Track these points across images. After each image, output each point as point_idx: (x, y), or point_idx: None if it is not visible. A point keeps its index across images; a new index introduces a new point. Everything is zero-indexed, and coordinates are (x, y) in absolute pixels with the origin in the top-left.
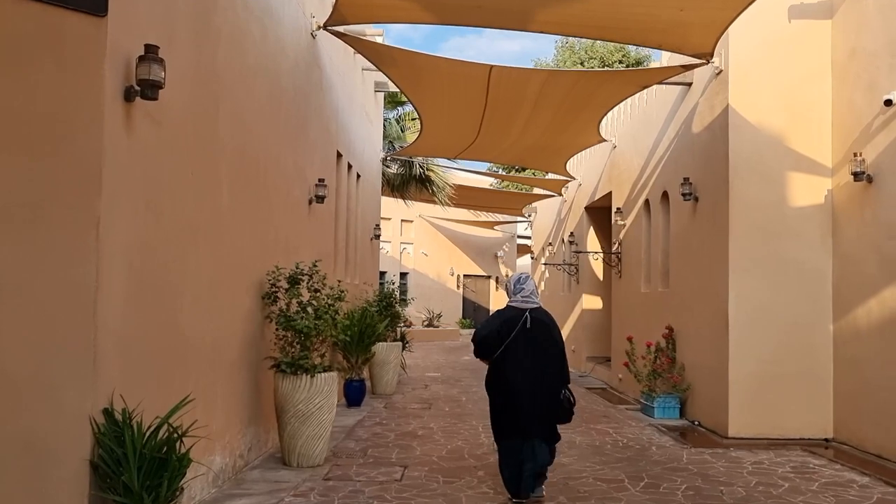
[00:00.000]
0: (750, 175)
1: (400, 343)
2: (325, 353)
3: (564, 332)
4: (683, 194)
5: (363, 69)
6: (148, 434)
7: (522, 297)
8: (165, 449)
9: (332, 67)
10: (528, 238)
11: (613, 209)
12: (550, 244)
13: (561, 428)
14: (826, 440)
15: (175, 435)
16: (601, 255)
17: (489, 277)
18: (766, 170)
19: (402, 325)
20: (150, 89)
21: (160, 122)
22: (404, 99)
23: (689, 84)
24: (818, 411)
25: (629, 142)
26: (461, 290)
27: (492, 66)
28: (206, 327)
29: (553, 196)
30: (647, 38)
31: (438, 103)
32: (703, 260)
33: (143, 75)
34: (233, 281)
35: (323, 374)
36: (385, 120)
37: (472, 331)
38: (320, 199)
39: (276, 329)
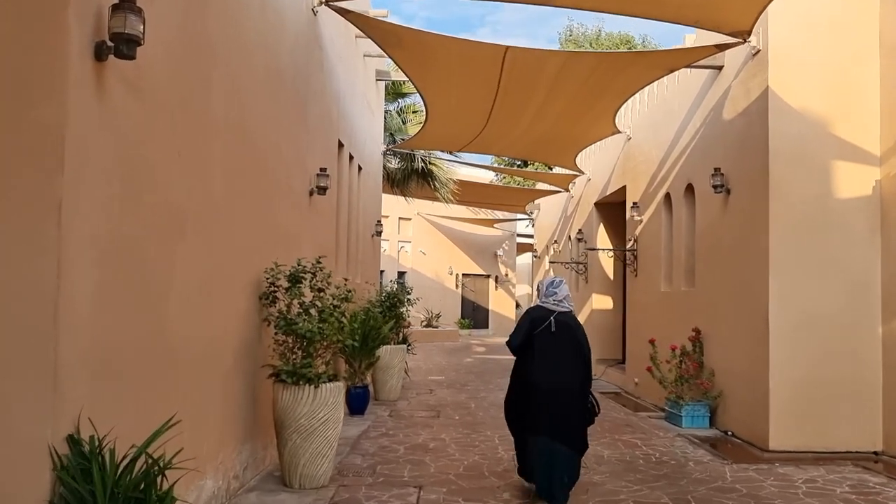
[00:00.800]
0: (791, 164)
1: (404, 346)
2: (329, 360)
3: None
4: (714, 186)
5: (365, 55)
6: (122, 467)
7: (555, 300)
8: (143, 485)
9: (334, 50)
10: (529, 237)
11: (628, 204)
12: (556, 242)
13: None
14: (875, 453)
15: (156, 468)
16: (614, 252)
17: (488, 277)
18: (809, 158)
19: (405, 326)
20: (125, 45)
21: (141, 88)
22: (406, 90)
23: (720, 67)
24: (867, 422)
25: (647, 132)
26: (460, 289)
27: (507, 47)
28: (196, 332)
29: (559, 192)
30: (682, 14)
31: (446, 90)
32: (737, 257)
33: (118, 28)
34: (227, 279)
35: (328, 384)
36: (386, 112)
37: (470, 331)
38: (322, 190)
39: (276, 333)
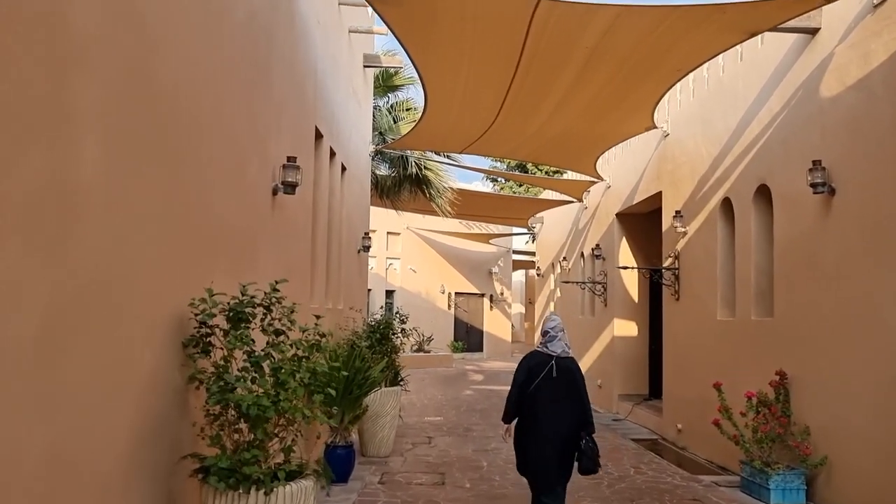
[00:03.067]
0: None
1: (398, 388)
2: (292, 441)
3: (587, 363)
4: (813, 185)
5: (350, 31)
6: None
7: (550, 346)
8: None
9: (310, 9)
10: (525, 253)
11: (666, 213)
12: (564, 259)
13: None
14: None
15: None
16: (644, 271)
17: (483, 296)
18: None
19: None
20: None
21: None
22: (399, 82)
23: (814, 30)
24: None
25: (693, 126)
26: (452, 309)
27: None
28: (25, 425)
29: (571, 202)
30: None
31: (453, 69)
32: (850, 276)
33: None
34: (111, 318)
35: (286, 487)
36: (375, 108)
37: (464, 354)
38: (290, 187)
39: (207, 402)
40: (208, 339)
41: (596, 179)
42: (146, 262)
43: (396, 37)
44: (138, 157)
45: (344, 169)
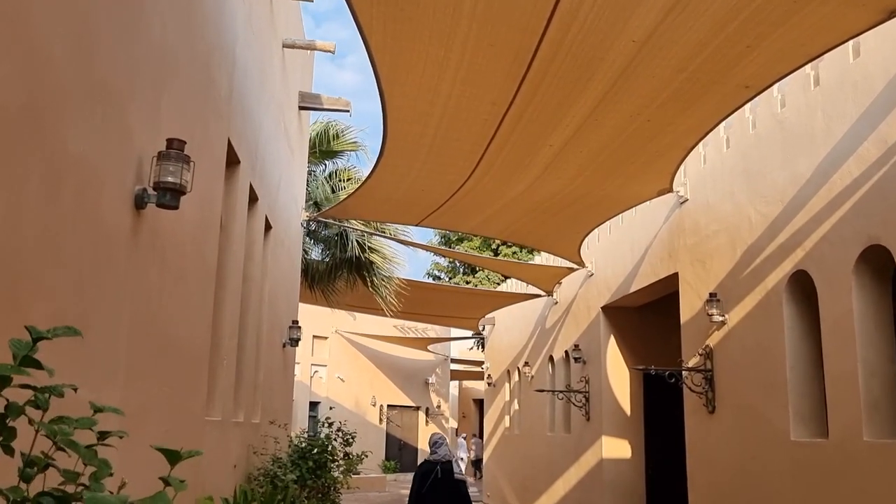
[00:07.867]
0: None
1: None
2: None
3: (560, 492)
4: None
5: (285, 45)
6: None
7: (437, 452)
8: None
9: None
10: (464, 362)
11: (687, 300)
12: (526, 364)
13: None
14: None
15: None
16: (676, 374)
17: (418, 409)
18: None
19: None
20: None
21: None
22: (340, 147)
23: None
24: None
25: (732, 183)
26: (384, 424)
27: None
28: None
29: (539, 296)
30: None
31: (431, 80)
32: None
33: None
34: None
35: None
36: (310, 174)
37: (396, 475)
38: (171, 195)
39: None
40: None
41: (575, 266)
42: None
43: (357, 22)
44: None
45: (269, 227)
